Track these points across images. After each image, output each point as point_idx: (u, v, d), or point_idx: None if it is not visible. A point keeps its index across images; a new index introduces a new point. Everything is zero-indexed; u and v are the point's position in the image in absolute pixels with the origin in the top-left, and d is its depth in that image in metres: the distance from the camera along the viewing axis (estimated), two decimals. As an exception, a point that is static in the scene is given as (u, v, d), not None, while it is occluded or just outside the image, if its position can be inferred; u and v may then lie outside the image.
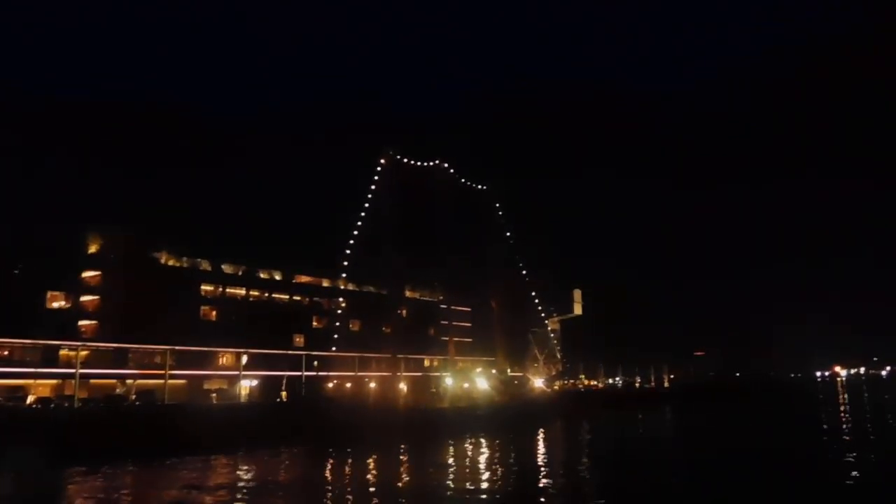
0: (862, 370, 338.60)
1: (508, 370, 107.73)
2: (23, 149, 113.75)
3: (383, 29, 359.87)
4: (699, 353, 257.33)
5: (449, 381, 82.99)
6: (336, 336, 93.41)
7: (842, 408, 79.44)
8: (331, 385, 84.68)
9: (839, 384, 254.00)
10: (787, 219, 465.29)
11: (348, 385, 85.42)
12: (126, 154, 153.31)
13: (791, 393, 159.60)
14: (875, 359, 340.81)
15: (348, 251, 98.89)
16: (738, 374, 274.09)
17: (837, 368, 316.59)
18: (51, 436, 42.56)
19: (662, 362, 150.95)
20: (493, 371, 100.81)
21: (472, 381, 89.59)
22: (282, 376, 77.57)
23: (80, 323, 74.78)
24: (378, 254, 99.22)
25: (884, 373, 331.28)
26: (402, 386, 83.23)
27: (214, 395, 71.63)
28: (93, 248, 77.63)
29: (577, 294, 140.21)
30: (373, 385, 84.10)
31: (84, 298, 76.12)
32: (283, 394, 74.92)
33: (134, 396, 66.32)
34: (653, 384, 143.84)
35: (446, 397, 78.59)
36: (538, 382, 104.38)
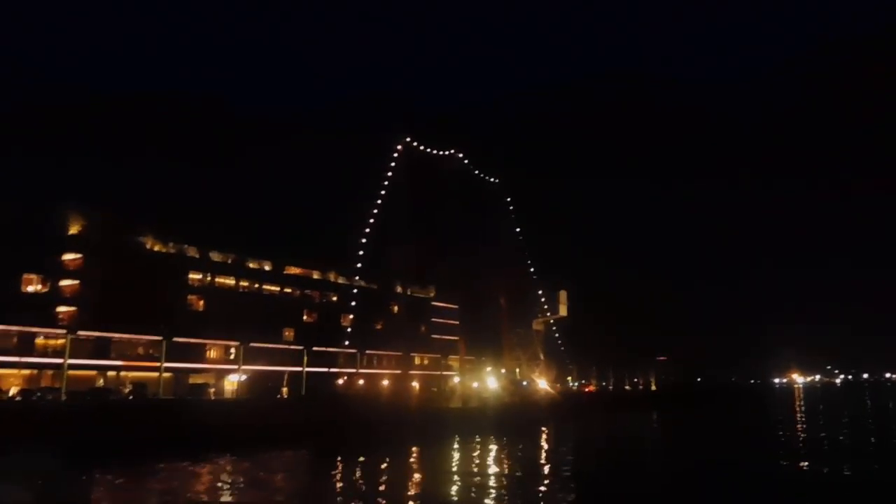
0: (817, 378, 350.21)
1: (517, 370, 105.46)
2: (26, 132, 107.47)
3: (407, 24, 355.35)
4: (661, 359, 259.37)
5: (457, 379, 79.96)
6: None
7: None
8: (340, 382, 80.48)
9: (797, 391, 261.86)
10: (751, 227, 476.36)
11: (360, 382, 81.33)
12: (141, 144, 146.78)
13: (757, 400, 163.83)
14: (829, 367, 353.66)
15: (364, 240, 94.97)
16: (698, 380, 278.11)
17: (795, 376, 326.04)
18: (58, 433, 37.66)
19: (649, 366, 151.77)
20: (503, 371, 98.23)
21: (483, 380, 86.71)
22: (282, 371, 72.98)
23: (59, 309, 68.95)
24: (387, 245, 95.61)
25: (838, 381, 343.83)
26: (415, 384, 79.66)
27: (212, 389, 66.60)
28: (74, 230, 71.69)
29: (563, 295, 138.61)
30: (385, 383, 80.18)
31: (63, 283, 70.22)
32: (284, 390, 70.40)
33: (128, 390, 60.85)
34: (641, 387, 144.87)
35: (454, 397, 75.50)
36: (542, 384, 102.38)
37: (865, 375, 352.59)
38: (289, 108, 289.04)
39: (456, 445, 53.50)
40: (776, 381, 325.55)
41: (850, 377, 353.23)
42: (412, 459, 46.36)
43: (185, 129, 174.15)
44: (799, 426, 75.20)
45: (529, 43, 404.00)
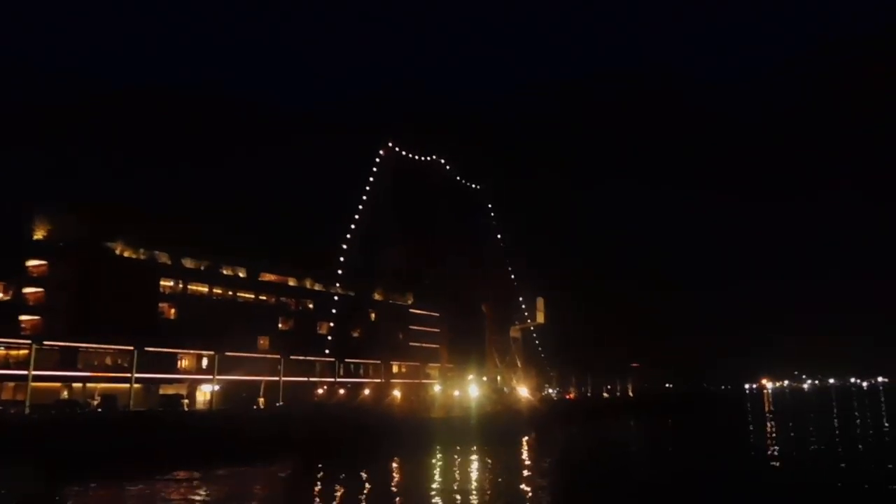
0: (786, 383, 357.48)
1: (499, 378, 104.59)
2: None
3: (407, 24, 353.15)
4: (635, 365, 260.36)
5: (438, 388, 78.89)
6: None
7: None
8: (320, 392, 78.61)
9: (766, 396, 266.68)
10: (730, 236, 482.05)
11: (341, 392, 79.56)
12: (139, 144, 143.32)
13: (730, 406, 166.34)
14: (796, 372, 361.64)
15: (344, 246, 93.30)
16: (668, 386, 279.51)
17: (765, 381, 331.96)
18: (24, 447, 35.54)
19: (626, 373, 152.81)
20: (485, 379, 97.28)
21: (465, 389, 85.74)
22: (258, 381, 70.91)
23: (22, 318, 66.00)
24: (370, 250, 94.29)
25: (805, 386, 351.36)
26: (396, 393, 78.23)
27: (185, 400, 64.35)
28: (39, 234, 68.87)
29: (541, 302, 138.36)
30: (366, 392, 78.64)
31: (27, 290, 67.33)
32: (261, 401, 68.34)
33: (97, 402, 58.32)
34: (619, 395, 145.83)
35: (436, 406, 74.34)
36: (523, 392, 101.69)
37: (832, 381, 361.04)
38: (289, 108, 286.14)
39: (438, 456, 52.41)
40: (746, 386, 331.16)
41: (816, 382, 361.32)
42: (395, 473, 45.15)
43: (184, 130, 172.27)
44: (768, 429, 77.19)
45: (529, 43, 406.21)
